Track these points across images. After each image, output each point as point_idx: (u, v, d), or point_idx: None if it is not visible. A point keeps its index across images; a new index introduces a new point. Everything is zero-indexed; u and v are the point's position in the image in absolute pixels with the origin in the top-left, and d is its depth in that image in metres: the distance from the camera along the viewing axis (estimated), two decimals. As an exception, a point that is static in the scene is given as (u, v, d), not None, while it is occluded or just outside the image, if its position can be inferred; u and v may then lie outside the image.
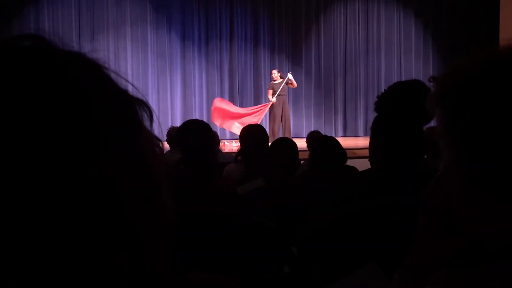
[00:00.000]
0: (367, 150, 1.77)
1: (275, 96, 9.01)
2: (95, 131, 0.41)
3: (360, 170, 2.50)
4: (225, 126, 9.16)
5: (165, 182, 0.48)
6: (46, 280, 0.39)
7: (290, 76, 9.21)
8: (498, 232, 0.66)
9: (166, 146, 4.57)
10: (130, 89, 0.47)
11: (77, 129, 0.40)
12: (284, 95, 9.20)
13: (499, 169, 0.63)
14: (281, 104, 9.10)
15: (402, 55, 11.36)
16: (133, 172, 0.44)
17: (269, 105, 9.10)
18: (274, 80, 9.21)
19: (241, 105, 10.77)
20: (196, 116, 10.25)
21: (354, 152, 6.87)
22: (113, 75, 0.45)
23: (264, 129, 3.39)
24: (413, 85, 1.61)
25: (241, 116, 9.05)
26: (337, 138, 3.42)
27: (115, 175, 0.42)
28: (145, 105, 0.47)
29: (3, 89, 0.39)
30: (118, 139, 0.43)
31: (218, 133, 6.47)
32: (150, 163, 0.46)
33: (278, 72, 9.35)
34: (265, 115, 9.27)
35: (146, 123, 0.47)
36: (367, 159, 1.81)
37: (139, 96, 0.47)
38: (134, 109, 0.46)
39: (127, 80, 0.46)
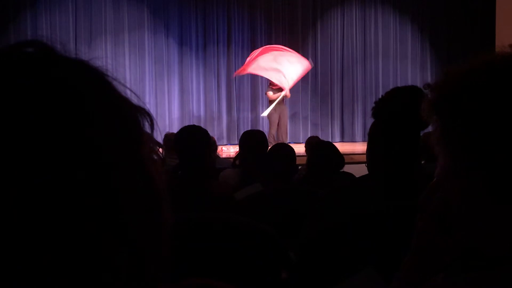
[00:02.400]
0: (365, 155, 1.77)
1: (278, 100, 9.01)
2: (96, 138, 0.42)
3: (357, 176, 2.51)
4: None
5: (164, 188, 0.48)
6: (46, 281, 0.40)
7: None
8: (497, 236, 0.66)
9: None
10: (130, 96, 0.47)
11: (79, 136, 0.41)
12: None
13: (496, 172, 0.63)
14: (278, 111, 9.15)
15: (399, 61, 11.39)
16: (133, 178, 0.44)
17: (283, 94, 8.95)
18: (274, 87, 9.17)
19: (238, 110, 10.76)
20: (193, 121, 10.24)
21: (352, 158, 6.87)
22: (115, 83, 0.46)
23: (264, 134, 3.39)
24: (410, 90, 1.62)
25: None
26: (334, 144, 3.43)
27: (115, 181, 0.42)
28: (146, 113, 0.47)
29: (8, 96, 0.40)
30: (120, 146, 0.43)
31: (216, 139, 6.46)
32: (150, 170, 0.46)
33: None
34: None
35: (147, 130, 0.47)
36: (364, 164, 1.81)
37: (141, 104, 0.47)
38: (135, 117, 0.47)
39: (127, 87, 0.47)
